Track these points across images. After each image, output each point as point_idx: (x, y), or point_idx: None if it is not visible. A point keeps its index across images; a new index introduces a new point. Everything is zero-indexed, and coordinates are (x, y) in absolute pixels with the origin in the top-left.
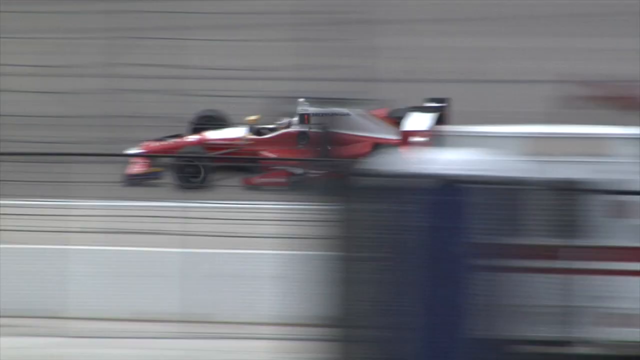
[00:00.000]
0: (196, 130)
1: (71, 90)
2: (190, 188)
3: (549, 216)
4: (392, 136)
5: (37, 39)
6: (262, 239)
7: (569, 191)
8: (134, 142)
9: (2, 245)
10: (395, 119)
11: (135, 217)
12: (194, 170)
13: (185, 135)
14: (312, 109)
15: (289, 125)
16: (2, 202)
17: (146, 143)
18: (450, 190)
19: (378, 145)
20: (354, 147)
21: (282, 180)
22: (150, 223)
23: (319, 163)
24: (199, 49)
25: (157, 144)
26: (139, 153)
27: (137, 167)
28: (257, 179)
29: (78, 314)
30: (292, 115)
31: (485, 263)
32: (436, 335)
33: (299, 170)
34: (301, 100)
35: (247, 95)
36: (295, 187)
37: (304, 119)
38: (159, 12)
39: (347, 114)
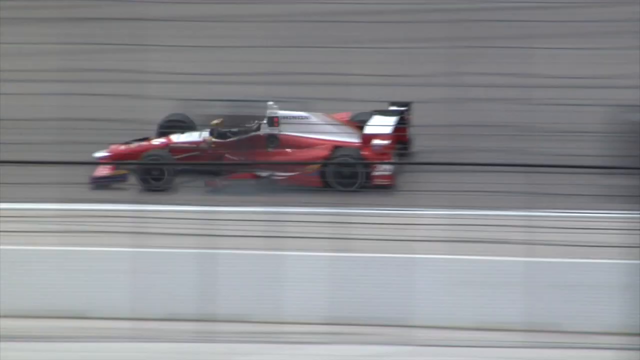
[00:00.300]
0: (163, 133)
1: (417, 99)
2: (153, 191)
3: None
4: (353, 139)
5: (380, 49)
6: (608, 248)
7: None
8: (476, 151)
9: (350, 254)
10: (358, 123)
11: (479, 226)
12: (159, 173)
13: (152, 139)
14: (281, 112)
15: (258, 128)
16: (354, 210)
17: (114, 146)
18: None
19: (337, 148)
20: (312, 150)
21: (249, 182)
22: (494, 232)
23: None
24: (545, 57)
25: (124, 147)
26: (107, 157)
27: (102, 170)
28: (222, 182)
29: (424, 322)
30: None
31: None
32: None
33: (265, 173)
34: (270, 103)
35: (592, 104)
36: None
37: (273, 122)
38: (504, 20)
39: (306, 117)
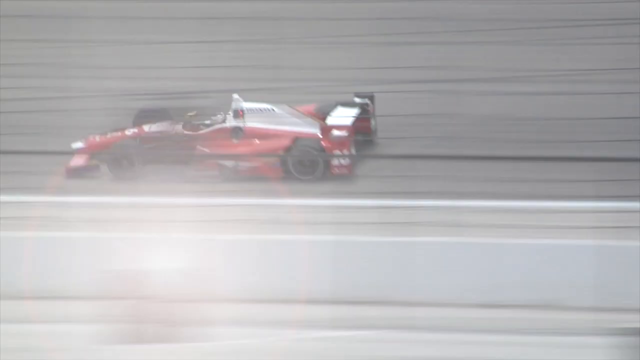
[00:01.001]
0: (136, 124)
1: None
2: (124, 180)
3: None
4: (314, 130)
5: None
6: None
7: None
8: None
9: None
10: (323, 114)
11: None
12: (129, 162)
13: (126, 129)
14: (246, 105)
15: (224, 120)
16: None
17: (90, 137)
18: None
19: (298, 139)
20: (274, 141)
21: (214, 172)
22: None
23: None
24: None
25: (99, 138)
26: (81, 147)
27: (77, 161)
28: (192, 171)
29: None
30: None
31: None
32: None
33: (229, 163)
34: (235, 96)
35: None
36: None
37: (238, 114)
38: None
39: (271, 109)
